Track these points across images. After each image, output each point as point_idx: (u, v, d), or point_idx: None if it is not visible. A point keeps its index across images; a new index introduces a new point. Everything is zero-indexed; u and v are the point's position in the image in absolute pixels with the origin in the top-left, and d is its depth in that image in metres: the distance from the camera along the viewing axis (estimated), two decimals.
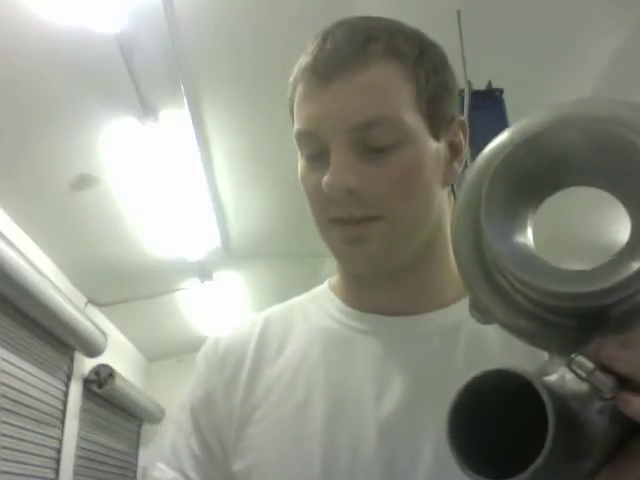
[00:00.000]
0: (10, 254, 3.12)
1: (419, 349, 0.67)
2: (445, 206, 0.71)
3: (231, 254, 4.48)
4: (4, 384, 3.36)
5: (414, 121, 0.63)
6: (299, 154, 0.69)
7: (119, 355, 5.17)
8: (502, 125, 2.91)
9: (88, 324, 4.16)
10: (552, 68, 2.95)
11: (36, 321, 3.71)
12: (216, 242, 4.25)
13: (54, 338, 4.02)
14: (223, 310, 5.19)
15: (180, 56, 2.67)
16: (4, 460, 3.32)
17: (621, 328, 0.38)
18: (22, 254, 3.27)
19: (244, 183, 3.82)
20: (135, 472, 5.79)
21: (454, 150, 0.69)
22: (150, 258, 4.25)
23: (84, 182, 3.39)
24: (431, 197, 0.67)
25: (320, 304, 0.76)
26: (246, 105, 3.15)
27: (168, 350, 5.99)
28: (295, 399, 0.67)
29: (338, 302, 0.74)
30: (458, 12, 2.58)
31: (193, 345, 5.11)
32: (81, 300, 4.43)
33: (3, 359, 3.39)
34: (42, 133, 2.99)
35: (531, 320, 0.41)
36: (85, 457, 4.65)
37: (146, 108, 2.91)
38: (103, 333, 4.41)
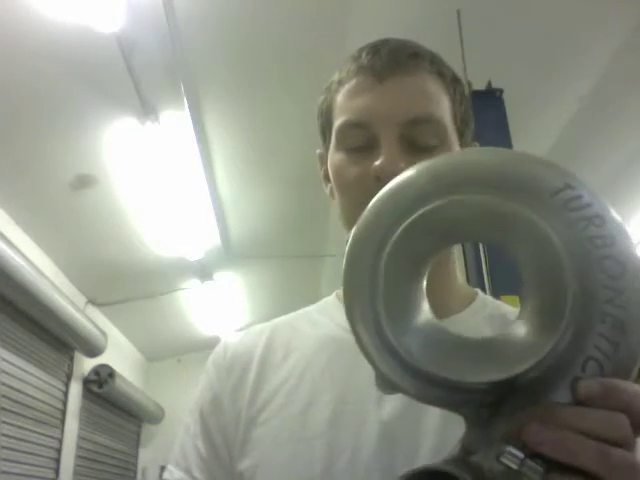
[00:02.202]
0: (10, 254, 3.12)
1: None
2: None
3: (231, 254, 4.48)
4: (4, 384, 3.36)
5: (452, 130, 0.68)
6: (333, 148, 0.70)
7: (119, 355, 5.17)
8: (502, 125, 2.93)
9: (88, 324, 4.16)
10: (552, 68, 2.96)
11: (36, 321, 3.71)
12: (216, 242, 4.26)
13: (54, 338, 4.02)
14: (223, 310, 5.19)
15: (180, 56, 2.67)
16: (4, 460, 3.32)
17: (532, 391, 0.38)
18: (22, 254, 3.27)
19: (244, 183, 3.82)
20: (135, 472, 5.79)
21: None
22: (150, 258, 4.26)
23: (84, 182, 3.39)
24: None
25: (328, 314, 0.77)
26: (246, 105, 3.15)
27: (168, 350, 6.00)
28: (299, 402, 0.67)
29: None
30: (458, 12, 2.58)
31: (193, 345, 5.13)
32: (81, 300, 4.43)
33: (3, 359, 3.39)
34: (42, 133, 2.99)
35: (441, 390, 0.41)
36: (85, 457, 4.66)
37: (146, 108, 2.91)
38: (103, 333, 4.41)
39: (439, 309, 0.69)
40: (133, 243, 4.05)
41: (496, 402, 0.39)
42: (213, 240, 4.21)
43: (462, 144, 0.70)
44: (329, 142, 0.72)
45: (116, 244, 4.00)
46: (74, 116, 2.94)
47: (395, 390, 0.43)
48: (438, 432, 0.61)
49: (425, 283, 0.45)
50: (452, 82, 0.70)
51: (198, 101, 3.02)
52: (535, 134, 3.29)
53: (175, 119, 3.04)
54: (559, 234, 0.38)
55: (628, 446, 0.37)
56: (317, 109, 0.75)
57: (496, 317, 0.72)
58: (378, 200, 0.44)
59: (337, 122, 0.69)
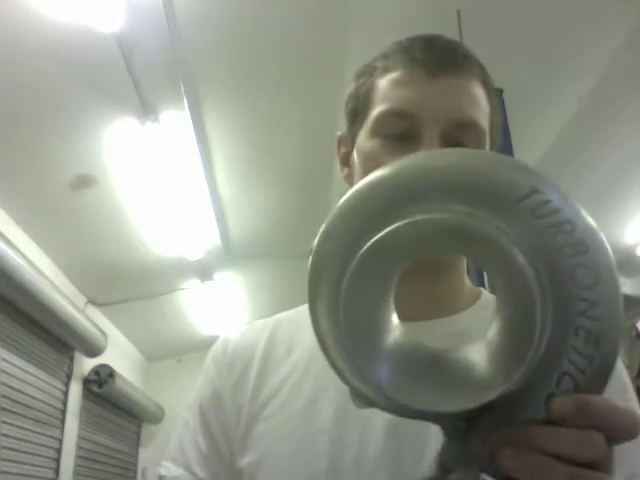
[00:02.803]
0: (10, 254, 3.12)
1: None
2: None
3: (231, 254, 4.48)
4: (4, 384, 3.36)
5: (487, 138, 0.69)
6: (367, 134, 0.69)
7: (119, 355, 5.17)
8: (502, 125, 2.93)
9: (88, 324, 4.16)
10: (552, 68, 2.96)
11: (36, 321, 3.71)
12: (216, 242, 4.26)
13: (54, 338, 4.02)
14: (223, 310, 5.19)
15: (180, 56, 2.67)
16: (4, 460, 3.32)
17: (507, 407, 0.37)
18: (22, 254, 3.27)
19: (244, 183, 3.82)
20: (135, 472, 5.79)
21: None
22: (150, 258, 4.26)
23: (84, 182, 3.39)
24: None
25: None
26: (246, 105, 3.15)
27: (168, 350, 5.99)
28: (303, 397, 0.67)
29: None
30: (458, 12, 2.58)
31: (193, 345, 5.13)
32: (81, 300, 4.43)
33: (3, 359, 3.39)
34: (42, 133, 2.99)
35: (415, 411, 0.40)
36: (85, 457, 4.65)
37: (146, 108, 2.91)
38: (103, 333, 4.41)
39: (444, 307, 0.70)
40: (133, 243, 4.05)
41: (472, 416, 0.38)
42: (213, 240, 4.21)
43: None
44: (359, 126, 0.70)
45: (116, 244, 4.00)
46: (74, 116, 2.94)
47: (371, 405, 0.42)
48: None
49: (392, 297, 0.43)
50: (492, 91, 0.71)
51: (198, 101, 3.02)
52: (535, 134, 3.29)
53: (175, 119, 3.04)
54: (527, 244, 0.36)
55: (603, 466, 0.36)
56: (351, 90, 0.73)
57: None
58: (337, 214, 0.42)
59: (378, 108, 0.68)
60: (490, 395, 0.36)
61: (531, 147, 3.35)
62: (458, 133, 0.65)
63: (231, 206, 3.99)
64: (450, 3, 2.57)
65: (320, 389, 0.67)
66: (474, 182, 0.38)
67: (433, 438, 0.61)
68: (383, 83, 0.68)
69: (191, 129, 3.09)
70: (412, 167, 0.40)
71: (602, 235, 0.38)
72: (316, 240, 0.42)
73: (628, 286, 5.08)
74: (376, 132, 0.67)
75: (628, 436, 0.36)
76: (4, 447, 3.32)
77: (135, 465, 5.84)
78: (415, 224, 0.38)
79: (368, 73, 0.71)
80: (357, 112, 0.71)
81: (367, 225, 0.39)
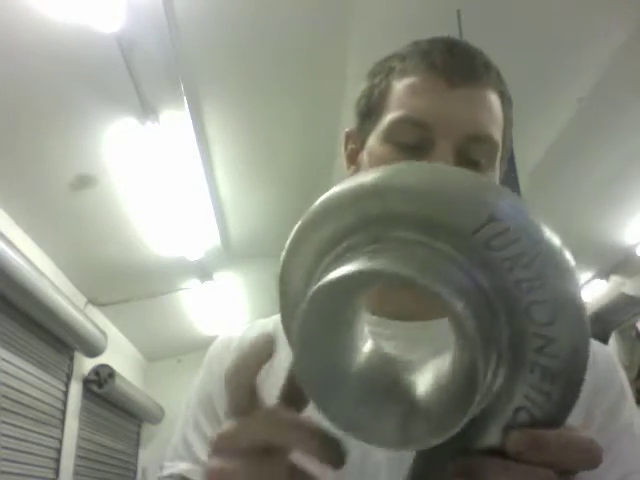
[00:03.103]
0: (10, 254, 3.12)
1: (428, 354, 0.68)
2: None
3: (231, 254, 4.48)
4: (4, 384, 3.36)
5: (499, 152, 0.68)
6: (379, 138, 0.67)
7: (119, 355, 5.17)
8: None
9: (88, 324, 4.16)
10: (552, 68, 2.96)
11: (36, 321, 3.71)
12: (216, 242, 4.26)
13: (54, 338, 4.02)
14: (223, 310, 5.19)
15: (180, 56, 2.67)
16: (4, 460, 3.32)
17: (465, 433, 0.36)
18: (22, 254, 3.27)
19: (244, 183, 3.82)
20: (135, 472, 5.79)
21: None
22: (150, 258, 4.26)
23: (84, 182, 3.39)
24: None
25: None
26: (246, 105, 3.15)
27: (168, 350, 5.99)
28: None
29: None
30: (458, 12, 2.58)
31: (193, 345, 5.13)
32: (81, 300, 4.43)
33: (3, 359, 3.39)
34: (42, 133, 2.99)
35: None
36: (85, 457, 4.66)
37: (146, 108, 2.91)
38: (103, 333, 4.41)
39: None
40: (133, 243, 4.05)
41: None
42: (213, 240, 4.21)
43: (500, 167, 0.71)
44: (371, 127, 0.69)
45: (116, 244, 4.00)
46: (74, 116, 2.94)
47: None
48: None
49: (358, 318, 0.41)
50: (508, 102, 0.70)
51: (198, 101, 3.01)
52: (535, 134, 3.28)
53: (175, 119, 3.04)
54: (481, 280, 0.34)
55: None
56: (365, 88, 0.71)
57: None
58: (294, 238, 0.41)
59: (393, 114, 0.66)
60: (448, 432, 0.35)
61: (531, 147, 3.35)
62: (472, 146, 0.64)
63: (231, 206, 3.99)
64: (450, 3, 2.57)
65: None
66: (430, 211, 0.35)
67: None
68: (399, 87, 0.67)
69: (191, 129, 3.09)
70: (370, 187, 0.37)
71: (567, 259, 0.35)
72: (281, 263, 0.42)
73: (628, 286, 5.08)
74: (388, 138, 0.66)
75: (585, 468, 0.36)
76: (4, 447, 3.32)
77: (135, 465, 5.84)
78: (355, 275, 0.35)
79: (384, 73, 0.69)
80: (370, 112, 0.70)
81: (322, 251, 0.38)
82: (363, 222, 0.37)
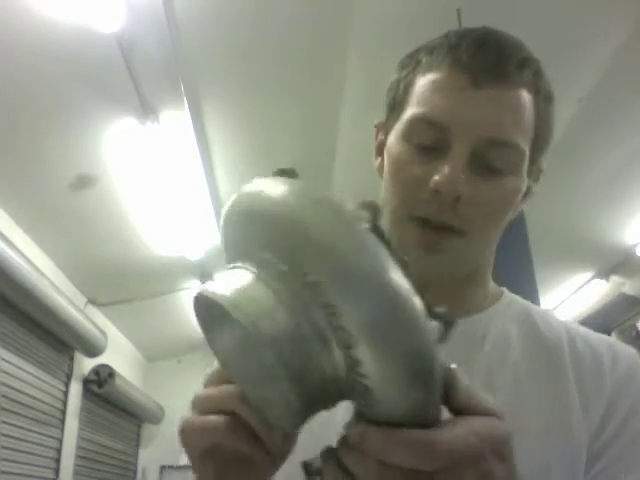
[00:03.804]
0: (10, 254, 3.12)
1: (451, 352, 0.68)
2: (504, 226, 0.72)
3: None
4: (4, 384, 3.36)
5: (526, 155, 0.64)
6: (398, 135, 0.66)
7: (119, 355, 5.17)
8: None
9: (88, 324, 4.16)
10: (552, 68, 2.95)
11: (36, 321, 3.71)
12: (216, 242, 4.25)
13: (54, 338, 4.02)
14: None
15: (180, 56, 2.67)
16: (4, 460, 3.32)
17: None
18: (22, 254, 3.27)
19: (244, 183, 3.81)
20: (135, 472, 5.79)
21: (527, 189, 0.70)
22: (150, 258, 4.26)
23: (84, 182, 3.39)
24: (499, 232, 0.69)
25: None
26: (246, 105, 3.15)
27: (168, 350, 5.99)
28: None
29: None
30: (458, 11, 2.58)
31: (193, 345, 5.14)
32: (81, 300, 4.43)
33: (3, 359, 3.39)
34: (42, 133, 2.99)
35: None
36: (85, 457, 4.66)
37: (146, 108, 2.91)
38: (103, 333, 4.41)
39: (463, 307, 0.70)
40: (133, 243, 4.05)
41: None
42: (213, 240, 4.21)
43: (531, 170, 0.67)
44: (393, 121, 0.68)
45: (116, 244, 4.00)
46: (74, 116, 2.94)
47: None
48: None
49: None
50: (545, 100, 0.66)
51: (198, 101, 3.02)
52: None
53: (175, 119, 3.04)
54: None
55: None
56: (393, 80, 0.69)
57: (522, 317, 0.72)
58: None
59: (412, 110, 0.64)
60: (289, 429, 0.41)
61: None
62: (491, 151, 0.61)
63: None
64: (450, 2, 2.57)
65: None
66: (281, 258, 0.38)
67: None
68: (422, 82, 0.65)
69: (191, 129, 3.09)
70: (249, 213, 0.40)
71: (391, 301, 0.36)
72: None
73: (628, 286, 5.08)
74: (406, 137, 0.65)
75: (417, 467, 0.37)
76: (4, 447, 3.32)
77: (135, 465, 5.84)
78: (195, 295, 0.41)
79: (411, 66, 0.67)
80: (394, 105, 0.68)
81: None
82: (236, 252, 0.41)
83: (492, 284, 0.76)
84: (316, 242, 0.36)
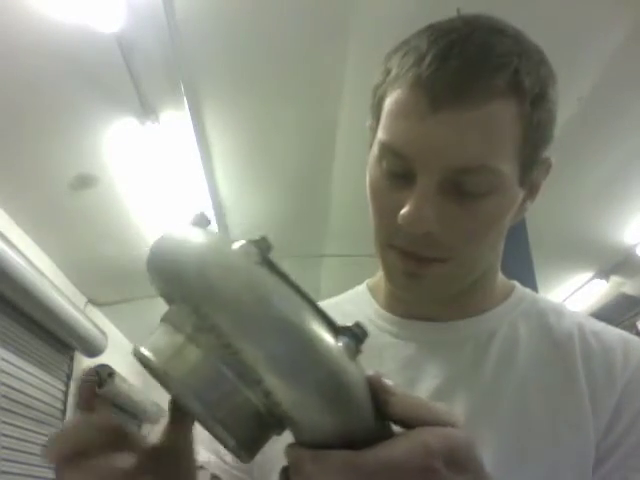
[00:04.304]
0: (10, 254, 3.12)
1: (449, 356, 0.67)
2: (504, 232, 0.68)
3: None
4: (4, 384, 3.36)
5: (511, 170, 0.58)
6: (374, 159, 0.62)
7: (119, 355, 5.17)
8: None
9: (88, 324, 4.16)
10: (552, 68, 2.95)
11: (36, 321, 3.71)
12: None
13: (54, 338, 4.02)
14: None
15: (180, 56, 2.67)
16: (4, 460, 3.32)
17: None
18: (22, 254, 3.27)
19: (244, 183, 3.82)
20: None
21: (532, 189, 0.66)
22: None
23: (84, 182, 3.39)
24: (498, 243, 0.66)
25: (360, 306, 0.75)
26: (246, 105, 3.15)
27: None
28: None
29: (376, 306, 0.74)
30: (458, 10, 2.57)
31: None
32: (81, 300, 4.43)
33: (3, 359, 3.39)
34: (42, 133, 2.99)
35: None
36: None
37: (146, 108, 2.91)
38: (103, 333, 4.41)
39: (471, 306, 0.69)
40: (133, 243, 4.05)
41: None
42: None
43: (526, 171, 0.61)
44: (374, 131, 0.64)
45: (116, 244, 4.00)
46: (74, 116, 2.94)
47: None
48: None
49: None
50: (534, 99, 0.58)
51: (198, 101, 3.01)
52: None
53: (175, 119, 3.04)
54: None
55: None
56: (374, 83, 0.64)
57: (532, 313, 0.70)
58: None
59: (380, 135, 0.60)
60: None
61: None
62: (460, 178, 0.56)
63: (231, 206, 3.99)
64: (450, 2, 2.57)
65: None
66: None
67: None
68: (389, 101, 0.60)
69: (191, 129, 3.09)
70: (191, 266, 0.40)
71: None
72: None
73: (628, 286, 5.08)
74: (378, 161, 0.61)
75: None
76: (4, 447, 3.32)
77: None
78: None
79: (386, 72, 0.62)
80: (372, 115, 0.65)
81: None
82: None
83: (502, 280, 0.74)
84: (209, 287, 0.37)
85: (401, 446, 0.37)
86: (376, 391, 0.39)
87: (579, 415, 0.61)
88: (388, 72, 0.61)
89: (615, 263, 4.81)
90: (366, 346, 0.69)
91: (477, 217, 0.59)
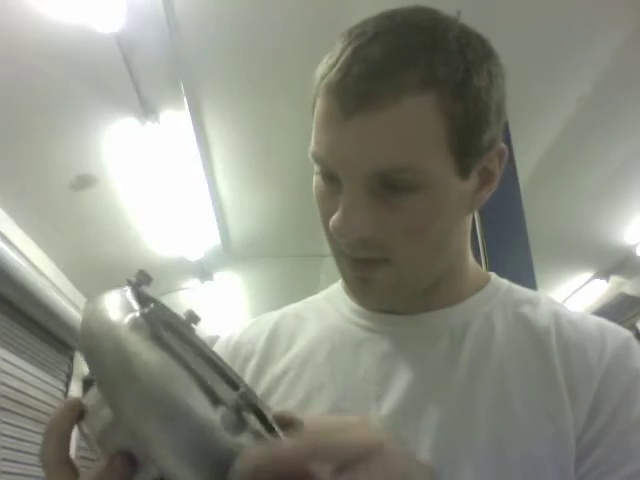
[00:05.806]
0: (10, 254, 3.12)
1: (424, 349, 0.67)
2: (467, 228, 0.68)
3: (231, 254, 4.48)
4: (4, 384, 3.36)
5: (439, 164, 0.57)
6: (315, 166, 0.64)
7: None
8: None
9: None
10: (551, 68, 2.95)
11: (36, 321, 3.71)
12: (216, 242, 4.26)
13: (54, 338, 4.02)
14: (223, 310, 5.19)
15: (180, 56, 2.67)
16: (4, 460, 3.32)
17: None
18: (22, 254, 3.27)
19: (244, 183, 3.82)
20: None
21: (485, 178, 0.63)
22: (150, 258, 4.25)
23: (84, 182, 3.39)
24: (447, 236, 0.64)
25: (335, 303, 0.76)
26: (246, 105, 3.15)
27: None
28: (297, 398, 0.67)
29: (351, 303, 0.74)
30: (458, 12, 2.57)
31: None
32: (81, 300, 4.43)
33: (3, 359, 3.39)
34: (42, 133, 2.99)
35: None
36: (85, 457, 4.64)
37: (146, 108, 2.91)
38: None
39: (444, 296, 0.69)
40: (133, 243, 4.05)
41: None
42: (213, 240, 4.21)
43: (464, 160, 0.59)
44: None
45: (116, 244, 4.00)
46: (74, 116, 2.94)
47: None
48: (438, 428, 0.61)
49: None
50: (458, 86, 0.56)
51: (198, 101, 3.01)
52: (535, 134, 3.29)
53: (175, 119, 3.04)
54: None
55: None
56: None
57: (508, 304, 0.70)
58: None
59: (311, 143, 0.62)
60: None
61: (531, 147, 3.35)
62: (385, 180, 0.56)
63: (231, 206, 3.99)
64: (450, 3, 2.57)
65: (315, 389, 0.67)
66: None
67: (426, 439, 0.61)
68: (316, 109, 0.61)
69: (191, 129, 3.09)
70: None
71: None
72: None
73: (628, 286, 5.08)
74: (315, 167, 0.63)
75: None
76: (4, 447, 3.32)
77: None
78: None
79: (319, 74, 0.61)
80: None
81: None
82: None
83: (477, 270, 0.73)
84: (99, 364, 0.39)
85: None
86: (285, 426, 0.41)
87: (557, 407, 0.61)
88: (316, 79, 0.62)
89: (615, 263, 4.82)
90: (342, 342, 0.69)
91: (410, 215, 0.59)
